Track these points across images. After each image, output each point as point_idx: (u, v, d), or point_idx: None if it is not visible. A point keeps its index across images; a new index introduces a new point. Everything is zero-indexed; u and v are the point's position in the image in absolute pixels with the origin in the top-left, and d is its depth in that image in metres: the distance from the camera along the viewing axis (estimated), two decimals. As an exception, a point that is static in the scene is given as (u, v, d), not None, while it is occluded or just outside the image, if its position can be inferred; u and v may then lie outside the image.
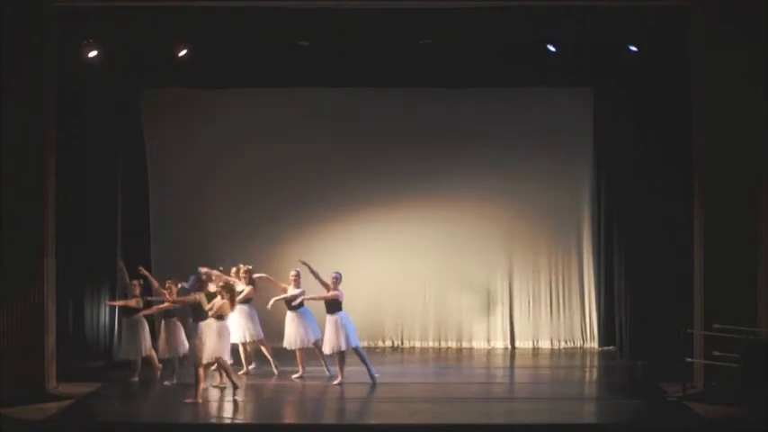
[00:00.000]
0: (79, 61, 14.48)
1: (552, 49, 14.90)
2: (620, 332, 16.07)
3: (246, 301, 14.60)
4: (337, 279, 13.92)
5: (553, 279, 17.18)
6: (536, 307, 17.20)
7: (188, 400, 12.82)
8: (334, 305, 13.86)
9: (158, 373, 14.40)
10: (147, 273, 14.32)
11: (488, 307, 17.18)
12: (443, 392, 13.79)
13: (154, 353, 14.41)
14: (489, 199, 17.04)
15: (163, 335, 14.22)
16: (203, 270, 13.84)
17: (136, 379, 14.27)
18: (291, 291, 14.41)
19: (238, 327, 14.53)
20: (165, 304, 13.93)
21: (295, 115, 17.00)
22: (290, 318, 14.45)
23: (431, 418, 12.29)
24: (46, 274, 13.14)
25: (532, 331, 17.21)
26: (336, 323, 13.82)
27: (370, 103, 16.97)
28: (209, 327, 12.90)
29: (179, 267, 15.51)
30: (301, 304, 14.36)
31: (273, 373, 14.66)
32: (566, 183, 17.03)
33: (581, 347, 17.04)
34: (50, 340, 13.25)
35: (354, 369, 14.42)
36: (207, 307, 12.99)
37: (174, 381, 14.01)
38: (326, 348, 13.93)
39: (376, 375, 14.03)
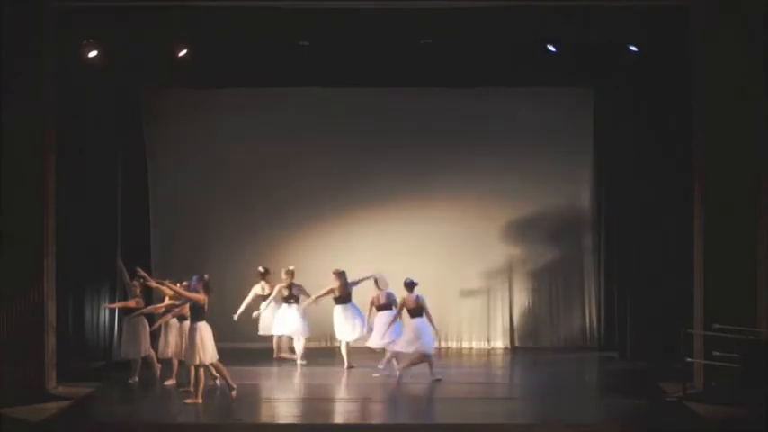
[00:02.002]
0: (79, 61, 14.46)
1: (552, 49, 14.90)
2: (620, 332, 16.07)
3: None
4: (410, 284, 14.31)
5: (553, 279, 17.18)
6: (536, 307, 17.20)
7: (189, 401, 12.82)
8: (415, 311, 14.17)
9: (158, 373, 14.40)
10: (145, 274, 14.30)
11: (488, 307, 17.18)
12: (443, 392, 13.79)
13: (153, 353, 14.40)
14: (489, 199, 17.03)
15: (163, 335, 14.21)
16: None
17: (136, 379, 14.26)
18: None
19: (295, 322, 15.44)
20: (166, 302, 13.91)
21: (295, 115, 16.99)
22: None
23: (431, 418, 12.27)
24: (46, 274, 13.14)
25: (532, 331, 17.22)
26: (416, 327, 14.09)
27: (370, 103, 16.97)
28: (207, 327, 12.90)
29: (179, 267, 15.51)
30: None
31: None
32: (566, 183, 17.02)
33: (581, 348, 17.04)
34: (50, 340, 13.25)
35: (358, 370, 14.42)
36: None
37: (174, 381, 14.01)
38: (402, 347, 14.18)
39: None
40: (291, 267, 15.57)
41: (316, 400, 13.44)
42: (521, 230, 17.10)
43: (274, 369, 15.32)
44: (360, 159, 17.05)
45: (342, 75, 15.92)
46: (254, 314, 15.73)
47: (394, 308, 14.58)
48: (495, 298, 17.19)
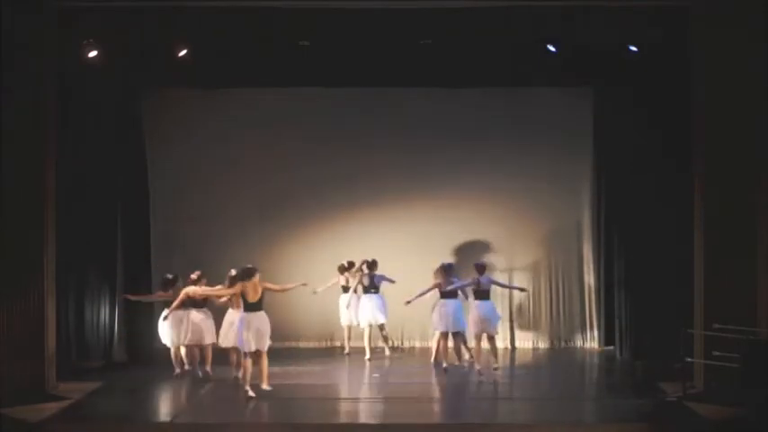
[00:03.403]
0: (79, 61, 14.46)
1: (552, 49, 14.91)
2: (620, 332, 16.08)
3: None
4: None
5: (553, 279, 17.19)
6: (536, 307, 17.21)
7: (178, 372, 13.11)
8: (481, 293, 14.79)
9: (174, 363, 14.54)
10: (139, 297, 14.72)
11: (488, 307, 17.17)
12: (442, 392, 13.78)
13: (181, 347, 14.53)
14: (489, 199, 17.04)
15: (185, 323, 14.36)
16: None
17: (178, 371, 14.37)
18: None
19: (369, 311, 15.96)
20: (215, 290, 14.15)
21: (295, 115, 17.00)
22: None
23: (432, 418, 12.28)
24: (46, 274, 13.15)
25: (532, 331, 17.23)
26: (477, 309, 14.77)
27: (370, 103, 16.98)
28: (256, 317, 13.10)
29: (180, 267, 15.51)
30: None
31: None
32: (566, 182, 17.02)
33: (581, 347, 17.05)
34: (50, 340, 13.26)
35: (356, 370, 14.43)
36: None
37: (178, 371, 14.12)
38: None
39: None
40: (371, 258, 16.01)
41: (321, 400, 13.46)
42: (521, 230, 17.10)
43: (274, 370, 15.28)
44: (359, 159, 17.03)
45: (342, 75, 15.95)
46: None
47: None
48: (496, 298, 17.11)
